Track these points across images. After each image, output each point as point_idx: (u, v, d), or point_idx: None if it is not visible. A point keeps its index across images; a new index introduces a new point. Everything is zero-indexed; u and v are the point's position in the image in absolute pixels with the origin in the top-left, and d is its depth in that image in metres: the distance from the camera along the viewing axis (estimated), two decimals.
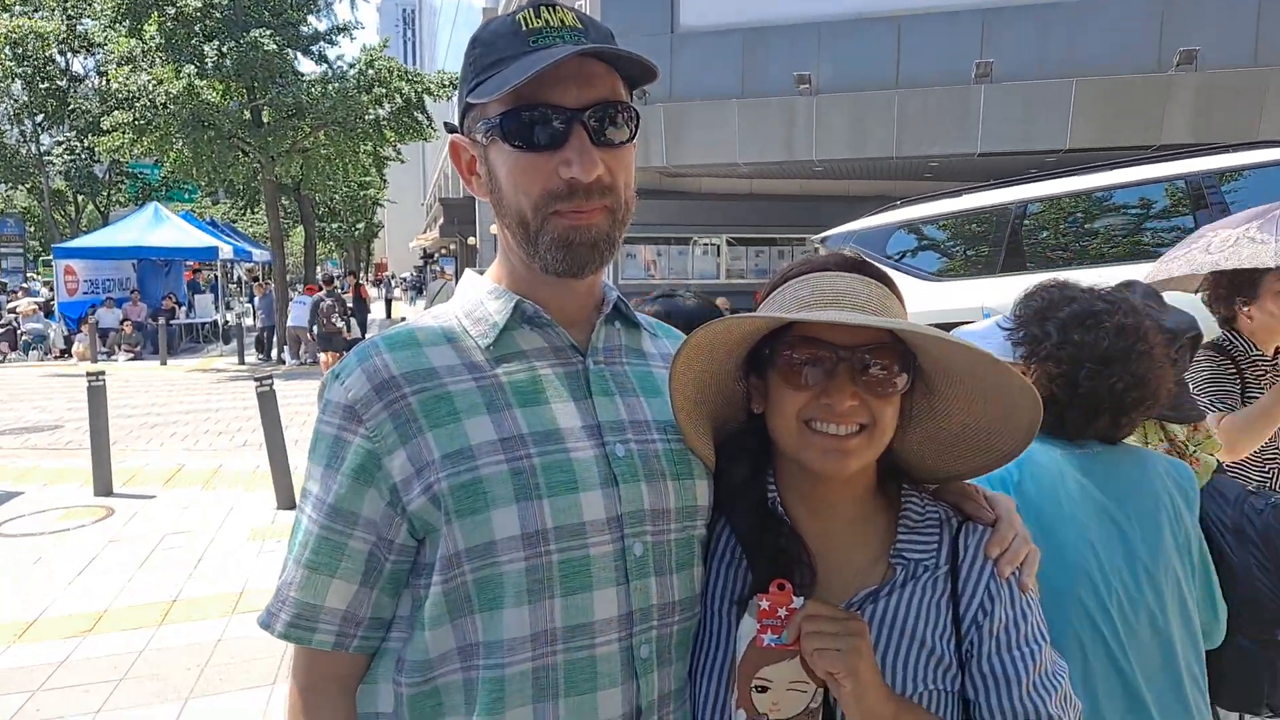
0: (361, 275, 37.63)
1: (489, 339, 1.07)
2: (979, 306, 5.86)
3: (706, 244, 16.22)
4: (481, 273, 1.17)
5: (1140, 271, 5.48)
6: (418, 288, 43.26)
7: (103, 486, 7.02)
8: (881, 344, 1.02)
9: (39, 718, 3.68)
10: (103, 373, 7.28)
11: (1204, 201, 5.54)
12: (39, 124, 29.07)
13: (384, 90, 18.02)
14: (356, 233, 44.44)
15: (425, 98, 18.55)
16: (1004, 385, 1.03)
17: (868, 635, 0.98)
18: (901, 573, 1.07)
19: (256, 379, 6.68)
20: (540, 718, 0.98)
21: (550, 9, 1.01)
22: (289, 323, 17.50)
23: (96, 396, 7.01)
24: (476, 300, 1.12)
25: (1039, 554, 1.12)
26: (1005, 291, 5.67)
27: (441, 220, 35.16)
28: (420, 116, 19.03)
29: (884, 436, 1.05)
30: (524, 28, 1.00)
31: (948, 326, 5.17)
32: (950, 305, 5.97)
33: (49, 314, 20.46)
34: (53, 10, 27.34)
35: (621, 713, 1.01)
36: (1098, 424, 1.50)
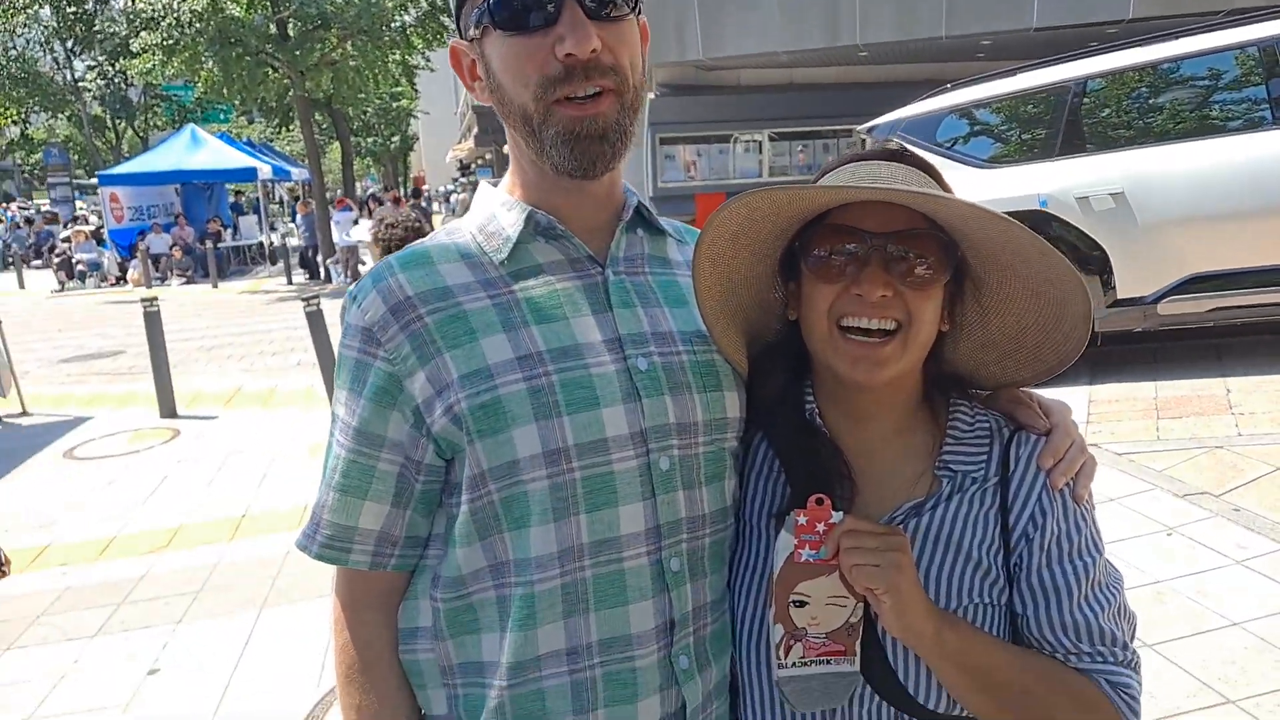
0: (404, 190, 37.60)
1: (503, 254, 1.04)
2: (1036, 194, 5.64)
3: (748, 141, 15.77)
4: (496, 183, 1.13)
5: (1207, 147, 5.23)
6: (447, 201, 43.13)
7: (167, 409, 7.27)
8: (919, 231, 0.96)
9: (125, 629, 3.90)
10: (157, 298, 7.45)
11: (1278, 69, 5.18)
12: (70, 49, 29.06)
13: None
14: (392, 146, 44.15)
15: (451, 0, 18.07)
16: (1053, 271, 0.97)
17: (909, 550, 0.95)
18: (948, 485, 1.03)
19: (304, 299, 6.76)
20: (572, 631, 0.99)
21: None
22: (336, 241, 17.59)
23: (153, 322, 7.18)
24: (489, 214, 1.08)
25: (1095, 463, 1.07)
26: (1064, 176, 5.47)
27: (476, 129, 34.71)
28: (447, 20, 18.59)
29: (921, 339, 1.00)
30: None
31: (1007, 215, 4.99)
32: (1006, 193, 5.73)
33: (100, 242, 20.85)
34: None
35: (655, 625, 1.01)
36: None
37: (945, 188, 1.04)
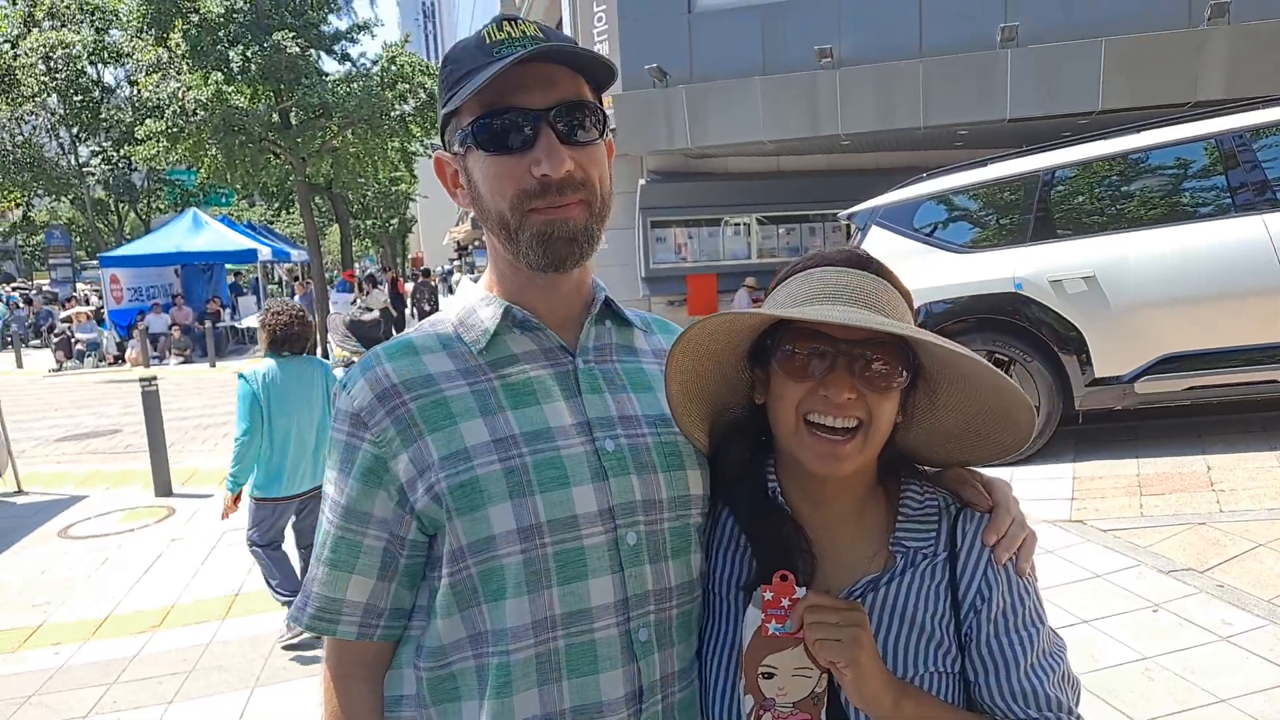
0: (399, 270, 38.07)
1: (481, 344, 1.12)
2: (1011, 277, 5.85)
3: (737, 224, 16.17)
4: (476, 279, 1.23)
5: (1173, 233, 5.47)
6: (446, 281, 43.69)
7: (162, 488, 7.29)
8: (881, 339, 1.03)
9: (116, 709, 3.88)
10: (155, 378, 7.54)
11: (1235, 160, 5.47)
12: (75, 135, 29.72)
13: (407, 86, 18.20)
14: (391, 228, 44.86)
15: None
16: (1000, 387, 1.06)
17: (868, 624, 1.02)
18: (901, 560, 1.09)
19: None
20: (547, 699, 1.04)
21: (512, 23, 1.07)
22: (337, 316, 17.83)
23: (151, 401, 7.26)
24: (469, 308, 1.17)
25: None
26: (1038, 260, 5.69)
27: (473, 214, 35.31)
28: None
29: (880, 435, 1.07)
30: (487, 41, 1.05)
31: (982, 297, 5.16)
32: (982, 276, 5.96)
33: (100, 322, 21.02)
34: (80, 23, 27.93)
35: (625, 693, 1.06)
36: None
37: (903, 291, 1.12)
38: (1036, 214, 5.97)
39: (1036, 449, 5.85)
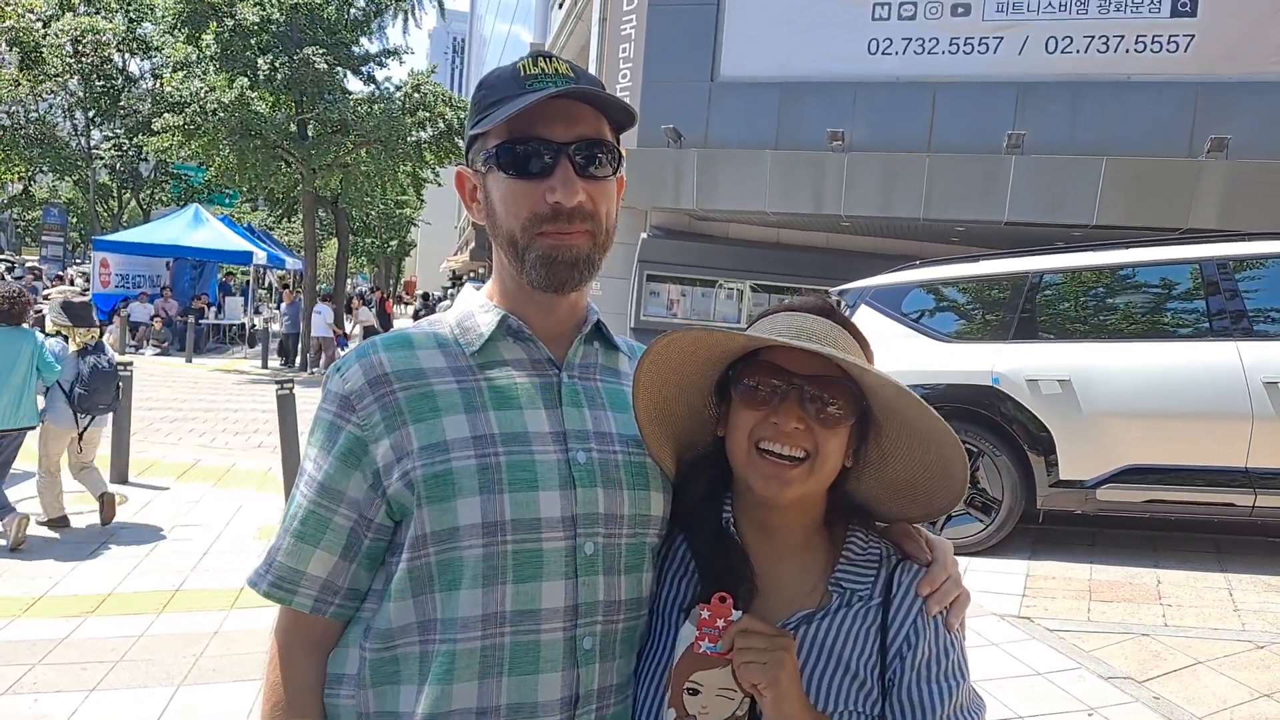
0: (390, 291, 38.13)
1: (474, 347, 1.18)
2: (989, 370, 5.94)
3: (731, 288, 16.39)
4: (479, 288, 1.29)
5: (1150, 349, 5.59)
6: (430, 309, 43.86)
7: (119, 475, 7.19)
8: (833, 379, 1.11)
9: (36, 690, 3.79)
10: (130, 364, 7.49)
11: (1216, 287, 5.62)
12: (91, 119, 29.87)
13: (428, 114, 18.46)
14: (389, 249, 45.03)
15: (467, 124, 18.96)
16: (939, 432, 1.13)
17: (794, 652, 1.05)
18: (837, 599, 1.14)
19: (278, 382, 6.86)
20: (485, 692, 1.07)
21: (546, 59, 1.14)
22: (312, 332, 17.82)
23: (122, 387, 7.20)
24: (469, 312, 1.23)
25: (969, 598, 1.19)
26: (1017, 358, 5.80)
27: (473, 244, 35.61)
28: (461, 142, 19.37)
29: (826, 469, 1.13)
30: (522, 74, 1.13)
31: (959, 387, 5.24)
32: (962, 367, 6.05)
33: None
34: (114, 12, 28.32)
35: (560, 697, 1.10)
36: None
37: (863, 343, 1.19)
38: (1021, 313, 6.09)
39: (995, 543, 5.88)
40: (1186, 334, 5.72)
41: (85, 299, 6.68)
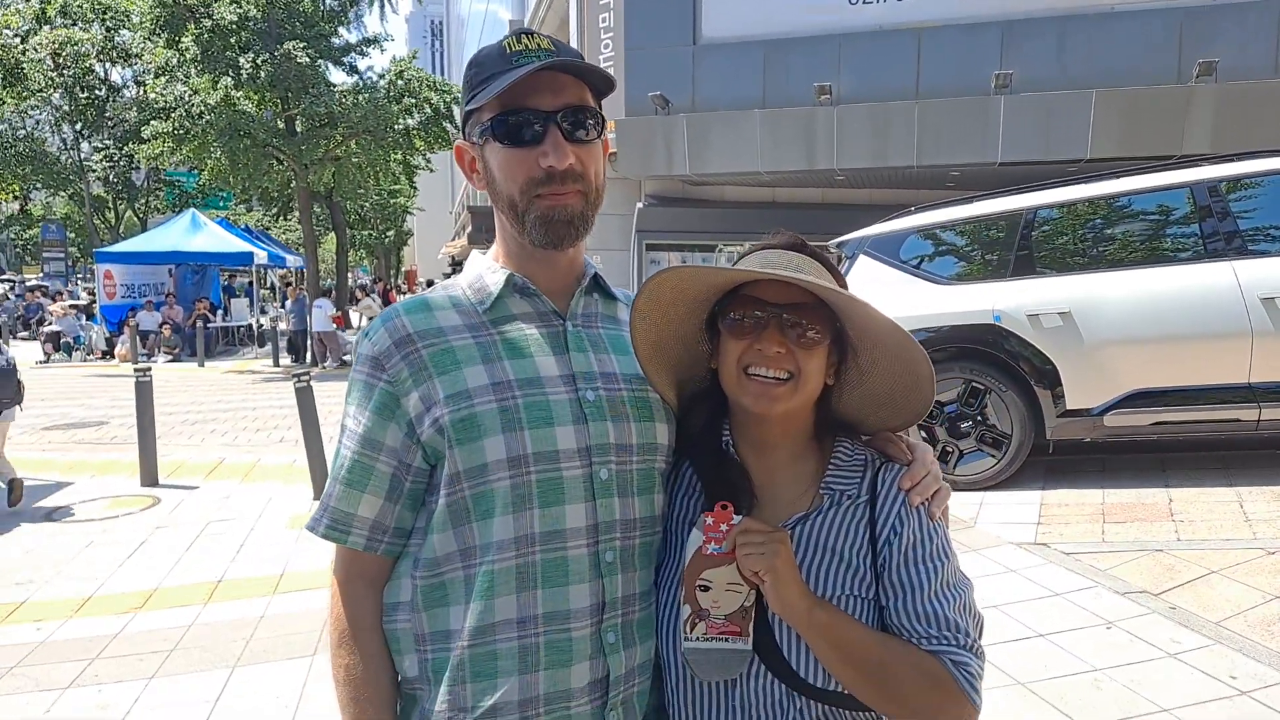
0: (391, 282, 38.21)
1: (486, 305, 1.31)
2: (990, 309, 6.04)
3: (731, 251, 16.45)
4: (485, 253, 1.43)
5: (1146, 275, 5.69)
6: None
7: (149, 477, 7.36)
8: (808, 306, 1.23)
9: (98, 682, 3.96)
10: (149, 369, 7.64)
11: (1209, 210, 5.70)
12: (79, 131, 29.85)
13: (413, 100, 18.48)
14: (386, 240, 45.06)
15: (454, 107, 18.98)
16: (907, 346, 1.26)
17: (789, 544, 1.19)
18: (828, 501, 1.28)
19: (295, 375, 6.99)
20: (523, 604, 1.21)
21: (529, 35, 1.26)
22: (314, 328, 17.96)
23: (144, 391, 7.36)
24: (478, 274, 1.36)
25: (949, 491, 1.32)
26: (1017, 295, 5.90)
27: (470, 228, 35.59)
28: (449, 126, 19.43)
29: (808, 387, 1.25)
30: (508, 50, 1.24)
31: (962, 328, 5.35)
32: (963, 308, 6.15)
33: (90, 316, 21.03)
34: (90, 21, 28.18)
35: (589, 604, 1.24)
36: None
37: (834, 271, 1.32)
38: (1018, 251, 6.18)
39: (1008, 476, 6.02)
40: (1182, 258, 5.81)
41: None
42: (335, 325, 18.22)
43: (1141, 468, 6.20)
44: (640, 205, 16.07)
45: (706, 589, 1.21)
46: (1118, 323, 5.71)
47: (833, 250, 7.27)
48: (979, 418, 6.08)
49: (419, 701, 1.26)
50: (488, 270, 1.35)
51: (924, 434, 6.16)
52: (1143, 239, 6.05)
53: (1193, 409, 5.62)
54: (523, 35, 1.26)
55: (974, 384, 6.05)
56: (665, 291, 1.28)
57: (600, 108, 1.32)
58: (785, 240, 1.34)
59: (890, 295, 6.37)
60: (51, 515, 6.65)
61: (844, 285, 1.30)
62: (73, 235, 36.99)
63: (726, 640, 1.21)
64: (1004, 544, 5.01)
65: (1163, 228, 6.01)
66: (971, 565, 4.67)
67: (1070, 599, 4.26)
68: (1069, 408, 5.84)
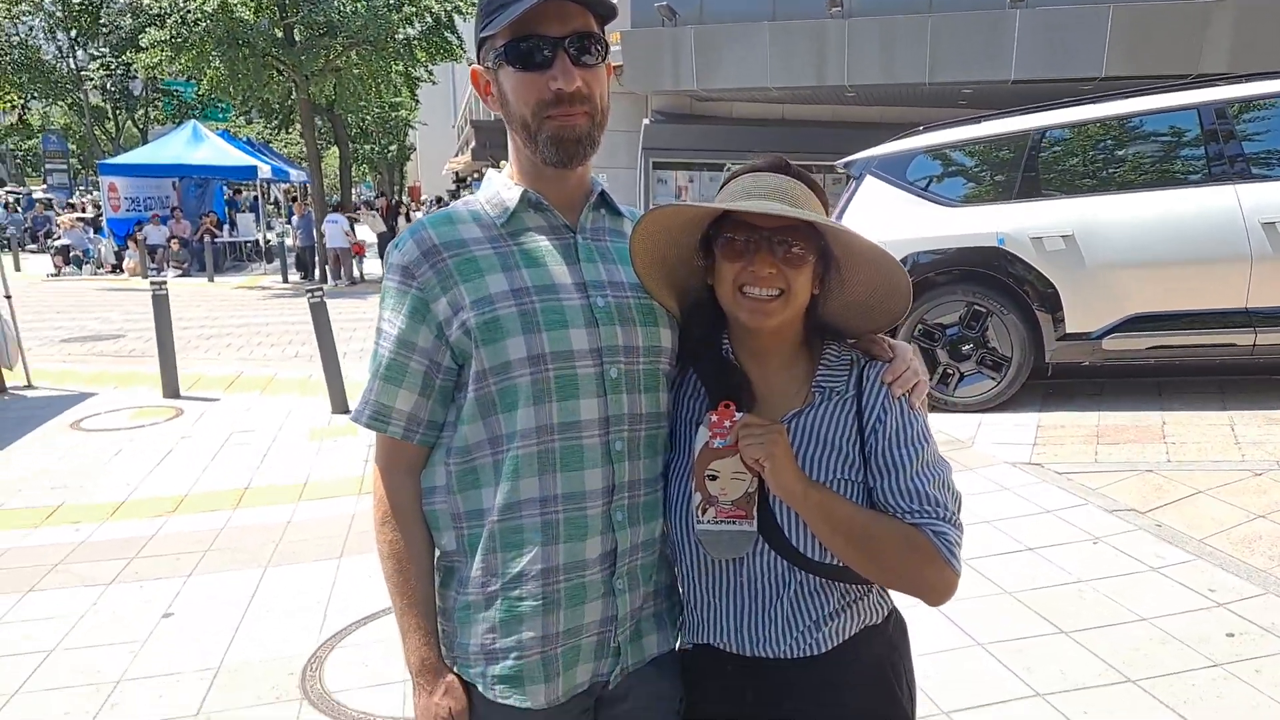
0: (392, 197, 37.88)
1: (503, 219, 1.43)
2: (994, 232, 6.12)
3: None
4: (501, 170, 1.55)
5: (1149, 198, 5.73)
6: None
7: (170, 389, 7.57)
8: (794, 228, 1.35)
9: (138, 579, 4.21)
10: (165, 282, 7.76)
11: (1214, 132, 5.71)
12: (74, 39, 29.23)
13: (414, 9, 18.04)
14: (390, 155, 44.51)
15: (455, 17, 18.55)
16: (882, 257, 1.40)
17: (785, 434, 1.34)
18: (819, 397, 1.42)
19: (309, 291, 7.11)
20: (544, 485, 1.37)
21: None
22: (328, 244, 17.97)
23: (161, 305, 7.50)
24: (495, 191, 1.48)
25: (928, 384, 1.48)
26: (1021, 218, 5.96)
27: (474, 143, 35.12)
28: (450, 36, 19.04)
29: (797, 300, 1.38)
30: None
31: (966, 250, 5.43)
32: (967, 230, 6.22)
33: (97, 229, 21.02)
34: None
35: (601, 486, 1.39)
36: None
37: (817, 190, 1.44)
38: (1024, 173, 6.21)
39: (1007, 398, 6.19)
40: (1186, 181, 5.85)
41: None
42: (353, 250, 18.22)
43: (1138, 391, 6.36)
44: (647, 122, 15.88)
45: (714, 478, 1.37)
46: (1119, 246, 5.79)
47: (840, 169, 7.29)
48: (980, 340, 6.22)
49: (456, 571, 1.43)
50: (504, 187, 1.47)
51: (924, 357, 6.31)
52: (1147, 162, 6.07)
53: (1190, 333, 5.75)
54: None
55: (976, 306, 6.16)
56: (659, 219, 1.41)
57: (604, 33, 1.43)
58: (770, 162, 1.44)
59: (896, 216, 6.44)
60: (79, 424, 6.87)
61: (825, 202, 1.44)
62: (73, 146, 36.57)
63: (734, 523, 1.37)
64: (999, 463, 5.21)
65: (1169, 151, 6.03)
66: (967, 483, 4.87)
67: (1060, 515, 4.47)
68: (1068, 331, 5.97)
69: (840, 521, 1.35)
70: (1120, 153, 6.14)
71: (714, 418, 1.37)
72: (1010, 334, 6.11)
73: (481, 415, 1.38)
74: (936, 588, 1.35)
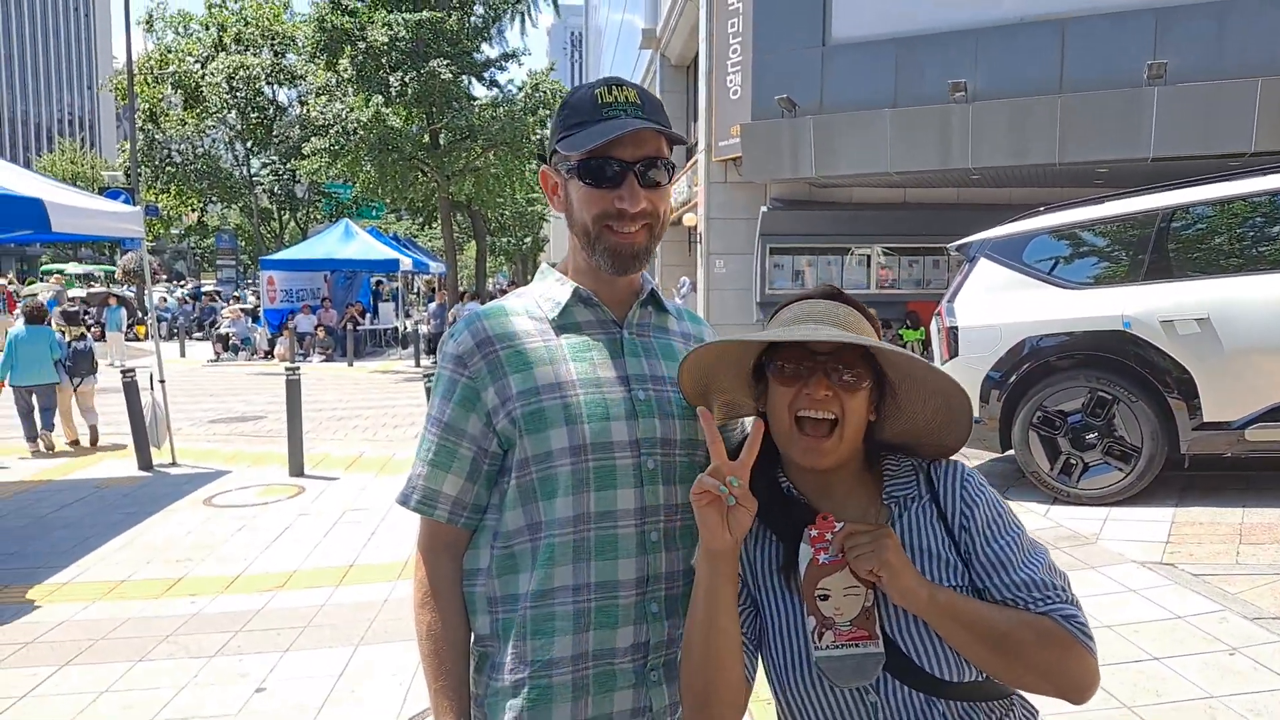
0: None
1: (554, 313, 1.49)
2: (1120, 315, 5.75)
3: (861, 254, 16.11)
4: (555, 265, 1.60)
5: None
6: None
7: (296, 468, 7.98)
8: (848, 353, 1.33)
9: (240, 653, 4.38)
10: (298, 368, 8.27)
11: None
12: (249, 148, 32.41)
13: (548, 112, 19.06)
14: (524, 246, 46.58)
15: None
16: (943, 385, 1.36)
17: (895, 536, 1.25)
18: (896, 509, 1.36)
19: (426, 375, 7.40)
20: (578, 573, 1.38)
21: (618, 87, 1.42)
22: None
23: (293, 389, 7.99)
24: (548, 286, 1.54)
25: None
26: (1149, 300, 5.58)
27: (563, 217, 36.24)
28: None
29: (853, 429, 1.34)
30: (599, 101, 1.40)
31: (1089, 334, 5.13)
32: (1090, 313, 5.87)
33: (255, 319, 22.78)
34: (260, 48, 30.60)
35: (635, 576, 1.40)
36: None
37: (869, 316, 1.41)
38: (1151, 252, 5.85)
39: (1137, 491, 5.71)
40: None
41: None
42: None
43: None
44: (765, 209, 15.98)
45: (826, 597, 1.26)
46: (1262, 329, 5.32)
47: (951, 254, 7.07)
48: (1106, 429, 5.79)
49: (489, 657, 1.44)
50: (557, 283, 1.53)
51: (1045, 446, 5.93)
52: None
53: None
54: (613, 87, 1.42)
55: (1100, 393, 5.77)
56: (708, 353, 1.42)
57: (671, 154, 1.48)
58: (821, 290, 1.44)
59: (1012, 300, 6.17)
60: (211, 500, 7.33)
61: (878, 328, 1.42)
62: (243, 244, 40.20)
63: (857, 645, 1.25)
64: (1126, 561, 4.78)
65: None
66: (1088, 582, 4.48)
67: (1192, 622, 4.03)
68: (1206, 420, 5.48)
69: (973, 621, 1.24)
70: (1260, 232, 5.70)
71: (814, 532, 1.28)
72: (1140, 422, 5.67)
73: (522, 502, 1.41)
74: (1081, 680, 1.23)
